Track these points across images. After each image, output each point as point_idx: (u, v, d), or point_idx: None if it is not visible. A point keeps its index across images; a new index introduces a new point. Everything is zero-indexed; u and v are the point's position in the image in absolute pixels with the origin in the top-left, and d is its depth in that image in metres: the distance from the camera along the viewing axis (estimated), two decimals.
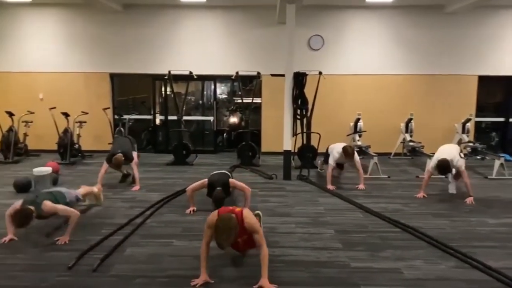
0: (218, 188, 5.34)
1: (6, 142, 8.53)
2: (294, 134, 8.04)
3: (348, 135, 8.95)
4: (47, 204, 4.30)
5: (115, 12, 9.20)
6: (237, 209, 3.60)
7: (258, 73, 9.01)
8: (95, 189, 5.57)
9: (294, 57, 7.21)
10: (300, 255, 4.07)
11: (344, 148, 6.55)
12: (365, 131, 8.84)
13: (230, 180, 5.42)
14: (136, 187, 6.52)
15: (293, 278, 3.61)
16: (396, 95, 9.53)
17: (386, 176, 7.49)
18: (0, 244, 4.26)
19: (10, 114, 8.68)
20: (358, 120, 8.91)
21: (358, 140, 8.78)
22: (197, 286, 3.41)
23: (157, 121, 10.21)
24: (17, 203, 4.31)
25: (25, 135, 9.03)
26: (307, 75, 7.80)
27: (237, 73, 8.59)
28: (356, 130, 8.87)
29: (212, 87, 10.15)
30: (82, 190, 5.29)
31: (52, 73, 9.54)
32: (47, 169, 6.28)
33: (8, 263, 3.87)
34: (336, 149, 6.71)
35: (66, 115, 8.69)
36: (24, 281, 3.53)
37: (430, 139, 8.67)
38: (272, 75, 8.75)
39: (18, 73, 9.54)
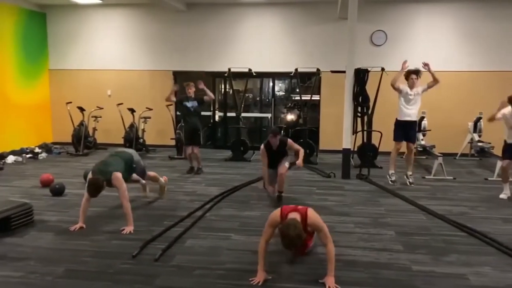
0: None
1: (77, 136, 9.09)
2: (354, 132, 7.87)
3: None
4: (117, 177, 4.56)
5: (179, 11, 9.48)
6: (300, 207, 3.56)
7: (318, 69, 8.91)
8: (162, 179, 5.79)
9: (355, 53, 7.07)
10: (358, 256, 3.99)
11: None
12: (429, 130, 8.47)
13: (289, 140, 5.62)
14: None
15: (352, 278, 3.54)
16: (463, 93, 9.04)
17: (451, 177, 7.13)
18: (73, 232, 4.55)
19: (81, 110, 9.24)
20: (422, 118, 8.55)
21: (422, 140, 8.43)
22: (258, 283, 3.41)
23: (217, 118, 10.42)
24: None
25: (94, 129, 9.58)
26: (369, 71, 7.60)
27: (296, 70, 8.55)
28: (420, 129, 8.52)
29: (271, 84, 10.17)
30: (152, 173, 5.63)
31: (119, 70, 10.03)
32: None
33: (79, 249, 4.13)
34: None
35: (132, 111, 9.10)
36: (93, 267, 3.75)
37: (500, 140, 8.11)
38: (332, 71, 8.61)
39: (89, 70, 10.12)
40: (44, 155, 8.91)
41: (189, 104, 7.24)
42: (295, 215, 3.42)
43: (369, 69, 7.60)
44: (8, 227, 4.51)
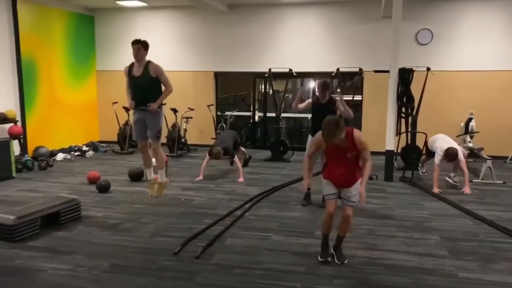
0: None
1: (122, 135, 9.38)
2: (398, 133, 7.67)
3: (458, 136, 8.30)
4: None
5: (221, 12, 9.59)
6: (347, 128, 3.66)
7: (360, 69, 8.75)
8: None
9: (399, 53, 6.88)
10: (401, 260, 3.88)
11: (446, 152, 6.12)
12: (477, 132, 8.12)
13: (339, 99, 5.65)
14: (240, 179, 6.80)
15: (394, 283, 3.45)
16: None
17: (501, 181, 6.80)
18: (118, 228, 4.70)
19: (127, 110, 9.49)
20: (470, 120, 8.21)
21: (470, 142, 8.09)
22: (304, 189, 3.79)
23: (256, 118, 10.46)
24: None
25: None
26: (413, 71, 7.38)
27: (337, 69, 8.44)
28: (467, 130, 8.19)
29: (312, 84, 10.09)
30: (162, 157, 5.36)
31: None
32: None
33: (123, 244, 4.26)
34: (439, 147, 6.31)
35: (175, 111, 9.30)
36: (137, 262, 3.86)
37: None
38: (376, 71, 8.42)
39: None
40: (91, 153, 9.26)
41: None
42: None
43: (414, 68, 7.38)
44: (58, 221, 4.73)
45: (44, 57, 8.83)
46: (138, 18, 10.24)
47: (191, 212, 5.30)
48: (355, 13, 9.11)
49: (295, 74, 8.91)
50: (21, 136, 7.99)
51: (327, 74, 9.02)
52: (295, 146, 9.13)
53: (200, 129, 10.01)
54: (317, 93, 5.57)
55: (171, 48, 10.16)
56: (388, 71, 7.03)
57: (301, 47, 9.45)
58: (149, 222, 4.88)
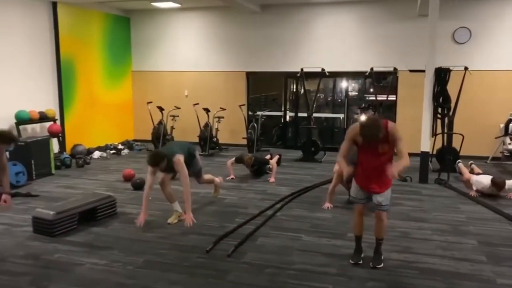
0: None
1: (156, 134, 9.57)
2: (434, 134, 7.48)
3: (497, 138, 8.02)
4: (179, 160, 4.70)
5: (253, 13, 9.62)
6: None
7: (395, 69, 8.58)
8: (217, 179, 5.81)
9: (436, 52, 6.72)
10: (436, 264, 3.79)
11: (493, 181, 5.81)
12: None
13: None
14: (272, 179, 6.83)
15: (429, 287, 3.37)
16: None
17: None
18: (152, 225, 4.78)
19: (161, 109, 9.71)
20: (510, 121, 7.91)
21: (510, 144, 7.80)
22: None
23: (287, 118, 10.43)
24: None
25: (172, 128, 10.02)
26: (450, 70, 7.17)
27: (371, 69, 8.30)
28: (507, 132, 7.89)
29: (344, 84, 9.98)
30: (207, 176, 5.62)
31: (196, 72, 10.39)
32: None
33: (157, 241, 4.35)
34: (481, 184, 5.95)
35: (207, 110, 9.40)
36: (169, 259, 3.93)
37: None
38: (411, 71, 8.23)
39: (168, 72, 10.61)
40: (126, 151, 9.50)
41: None
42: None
43: (451, 68, 7.18)
44: (94, 217, 4.87)
45: (82, 58, 9.11)
46: (172, 19, 10.41)
47: (223, 210, 5.35)
48: (390, 11, 8.94)
49: (327, 73, 8.83)
50: (60, 135, 8.28)
51: (361, 74, 8.91)
52: (327, 147, 9.05)
53: (231, 128, 10.08)
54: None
55: (204, 49, 10.28)
56: (423, 71, 6.86)
57: (334, 46, 9.35)
58: (182, 220, 4.96)
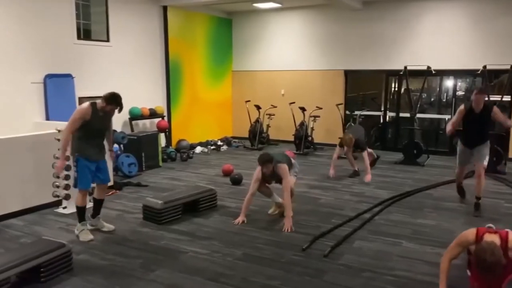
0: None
1: (253, 132, 9.83)
2: None
3: None
4: (282, 168, 4.76)
5: (355, 10, 9.39)
6: (500, 230, 3.10)
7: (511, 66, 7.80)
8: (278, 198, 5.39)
9: None
10: None
11: None
12: None
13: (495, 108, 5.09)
14: (368, 176, 6.67)
15: None
16: None
17: None
18: (249, 219, 4.91)
19: (258, 108, 9.95)
20: None
21: None
22: None
23: (387, 118, 10.02)
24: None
25: (268, 126, 10.21)
26: None
27: (484, 67, 7.64)
28: None
29: (450, 83, 9.31)
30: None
31: (293, 71, 10.46)
32: None
33: (254, 235, 4.48)
34: None
35: (303, 109, 9.41)
36: (266, 254, 4.02)
37: None
38: None
39: (265, 71, 10.82)
40: (225, 147, 9.89)
41: None
42: (493, 238, 2.95)
43: None
44: (197, 208, 5.16)
45: (187, 59, 9.66)
46: (272, 19, 10.58)
47: (318, 210, 5.33)
48: (506, 4, 8.14)
49: (434, 71, 8.31)
50: (167, 130, 8.90)
51: (471, 72, 8.26)
52: (430, 150, 8.53)
53: (327, 128, 9.97)
54: (472, 100, 5.00)
55: (302, 48, 10.30)
56: None
57: (441, 43, 8.77)
58: (278, 216, 5.03)
